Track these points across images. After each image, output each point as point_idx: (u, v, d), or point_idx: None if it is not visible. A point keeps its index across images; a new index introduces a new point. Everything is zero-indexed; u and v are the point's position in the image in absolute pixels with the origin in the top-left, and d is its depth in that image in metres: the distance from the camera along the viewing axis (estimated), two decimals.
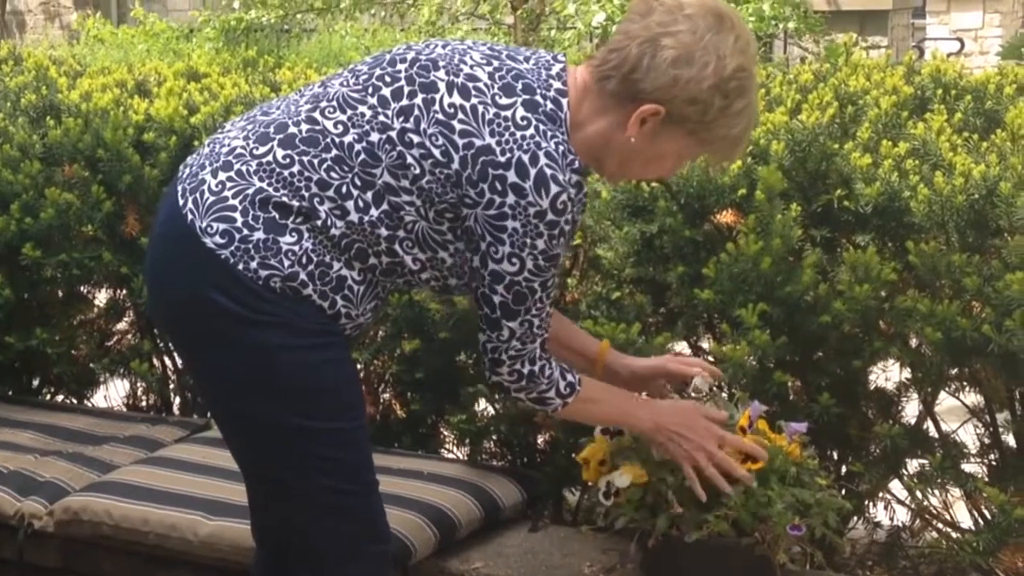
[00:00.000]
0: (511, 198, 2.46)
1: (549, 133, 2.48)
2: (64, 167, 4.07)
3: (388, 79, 2.57)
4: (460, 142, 2.48)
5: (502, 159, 2.46)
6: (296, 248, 2.52)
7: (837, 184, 3.38)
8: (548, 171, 2.45)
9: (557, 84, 2.54)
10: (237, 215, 2.52)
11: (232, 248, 2.51)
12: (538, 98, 2.52)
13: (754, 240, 3.24)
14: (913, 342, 3.30)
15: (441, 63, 2.56)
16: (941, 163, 3.35)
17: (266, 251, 2.51)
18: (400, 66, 2.58)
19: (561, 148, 2.48)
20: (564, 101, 2.52)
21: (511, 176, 2.45)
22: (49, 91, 4.46)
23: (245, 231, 2.51)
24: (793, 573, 3.05)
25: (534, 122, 2.48)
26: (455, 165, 2.48)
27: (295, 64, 5.48)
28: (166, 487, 3.48)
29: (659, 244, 3.48)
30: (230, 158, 2.58)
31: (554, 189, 2.46)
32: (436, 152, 2.48)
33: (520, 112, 2.49)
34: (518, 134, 2.47)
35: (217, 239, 2.52)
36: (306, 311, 2.54)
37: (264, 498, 2.75)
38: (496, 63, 2.57)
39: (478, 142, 2.47)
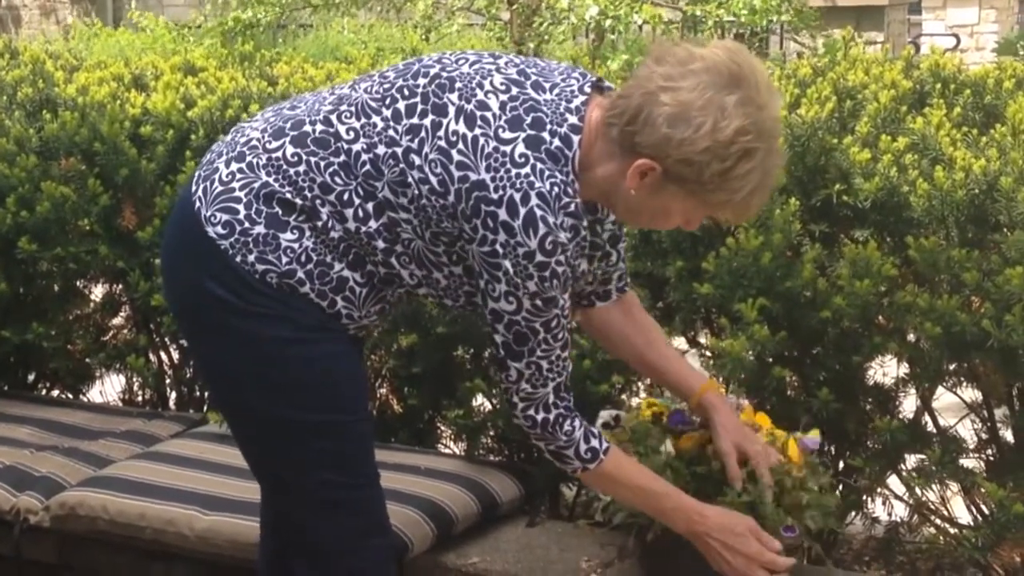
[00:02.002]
0: (502, 236, 2.39)
1: (546, 173, 2.39)
2: (60, 161, 4.06)
3: (406, 92, 2.51)
4: (456, 174, 2.42)
5: (495, 196, 2.39)
6: (296, 246, 2.50)
7: (836, 179, 3.37)
8: (538, 212, 2.37)
9: (572, 119, 2.44)
10: (240, 207, 2.51)
11: (232, 240, 2.50)
12: (545, 135, 2.42)
13: (754, 235, 3.23)
14: (911, 337, 3.29)
15: (458, 84, 2.49)
16: (941, 158, 3.35)
17: (265, 246, 2.50)
18: (420, 80, 2.52)
19: (556, 190, 2.39)
20: (575, 139, 2.42)
21: (502, 214, 2.38)
22: (45, 85, 4.46)
23: (246, 224, 2.50)
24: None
25: (532, 160, 2.39)
26: (451, 197, 2.43)
27: (292, 59, 5.47)
28: (162, 482, 3.47)
29: (657, 239, 3.47)
30: (244, 149, 2.57)
31: (542, 230, 2.38)
32: (433, 180, 2.44)
33: (520, 148, 2.40)
34: (513, 171, 2.39)
35: (219, 229, 2.51)
36: (303, 307, 2.53)
37: (266, 492, 2.76)
38: (515, 90, 2.48)
39: (473, 176, 2.41)
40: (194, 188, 2.57)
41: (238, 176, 2.53)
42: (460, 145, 2.43)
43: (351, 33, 11.95)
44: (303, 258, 2.50)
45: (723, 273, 3.26)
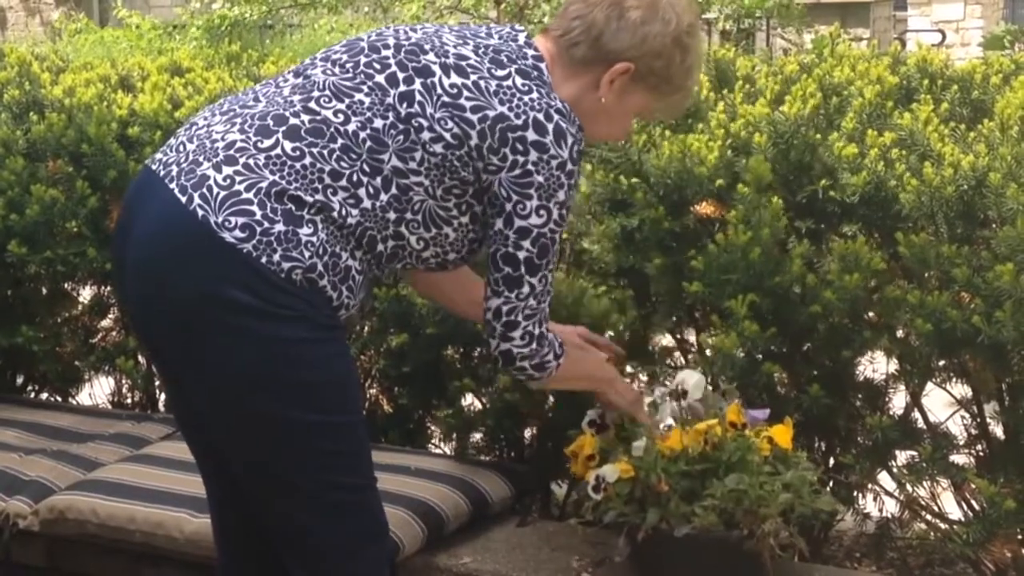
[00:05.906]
0: (533, 155, 2.56)
1: (551, 94, 2.61)
2: (48, 163, 4.05)
3: (378, 65, 2.62)
4: (474, 117, 2.56)
5: (518, 122, 2.56)
6: (314, 239, 2.51)
7: (821, 175, 3.36)
8: (563, 124, 2.58)
9: (531, 51, 2.66)
10: (255, 208, 2.49)
11: (254, 241, 2.48)
12: (523, 67, 2.63)
13: (743, 231, 3.23)
14: (900, 333, 3.29)
15: (427, 46, 2.64)
16: (929, 153, 3.34)
17: (287, 243, 2.49)
18: (385, 52, 2.64)
19: (565, 107, 2.60)
20: (543, 66, 2.65)
21: (530, 135, 2.56)
22: (32, 86, 4.44)
23: (266, 224, 2.48)
24: (781, 565, 3.04)
25: (534, 86, 2.60)
26: (473, 140, 2.56)
27: (279, 58, 5.46)
28: (152, 485, 3.46)
29: (640, 237, 3.46)
30: (232, 152, 2.54)
31: (570, 139, 2.59)
32: (447, 136, 2.56)
33: (518, 80, 2.60)
34: (525, 98, 2.58)
35: (237, 233, 2.48)
36: (319, 303, 2.53)
37: (264, 497, 2.69)
38: (471, 42, 2.66)
39: (491, 112, 2.57)
40: (184, 198, 2.50)
41: (237, 179, 2.50)
42: (466, 93, 2.58)
43: (339, 33, 11.95)
44: (320, 251, 2.52)
45: (711, 270, 3.25)
